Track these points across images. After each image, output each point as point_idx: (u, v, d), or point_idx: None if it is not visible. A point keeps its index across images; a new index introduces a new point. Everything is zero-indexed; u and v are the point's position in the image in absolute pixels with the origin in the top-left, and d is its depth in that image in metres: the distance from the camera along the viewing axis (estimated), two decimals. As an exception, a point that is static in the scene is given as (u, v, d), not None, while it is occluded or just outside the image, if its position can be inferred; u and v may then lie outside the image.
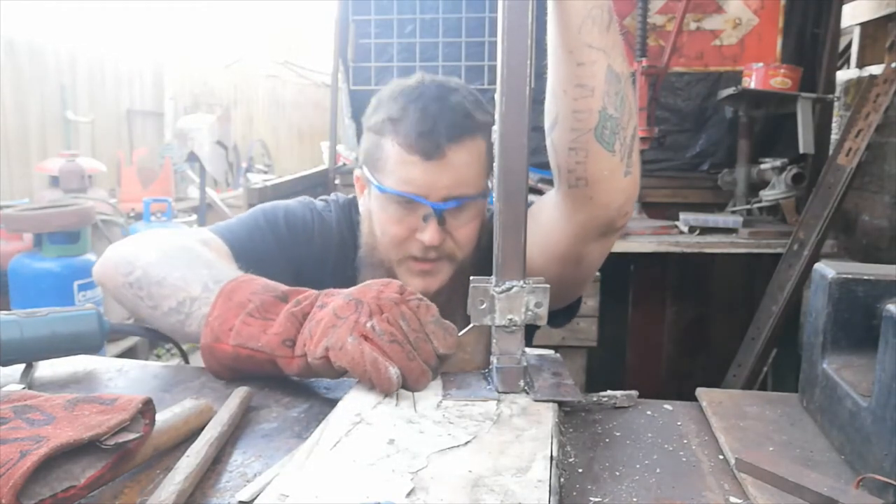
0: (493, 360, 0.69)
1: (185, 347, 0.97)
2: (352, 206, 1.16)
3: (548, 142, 0.86)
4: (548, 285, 0.68)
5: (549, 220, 0.96)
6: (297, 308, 0.73)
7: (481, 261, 1.02)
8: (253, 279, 0.80)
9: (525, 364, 0.69)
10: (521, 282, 0.67)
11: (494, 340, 0.68)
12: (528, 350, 0.73)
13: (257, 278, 0.80)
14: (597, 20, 0.78)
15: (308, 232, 1.10)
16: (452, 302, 0.96)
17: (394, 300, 0.69)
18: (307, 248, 1.09)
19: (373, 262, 1.06)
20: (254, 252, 1.01)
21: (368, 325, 0.66)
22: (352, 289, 0.73)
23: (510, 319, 0.67)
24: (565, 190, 0.88)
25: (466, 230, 1.03)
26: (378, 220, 1.03)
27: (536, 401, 0.66)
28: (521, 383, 0.68)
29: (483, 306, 0.67)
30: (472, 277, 0.68)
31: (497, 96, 0.68)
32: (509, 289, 0.67)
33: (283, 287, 0.78)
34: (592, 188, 0.85)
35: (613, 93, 0.80)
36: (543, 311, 0.68)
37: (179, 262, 0.85)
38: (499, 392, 0.67)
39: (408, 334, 0.67)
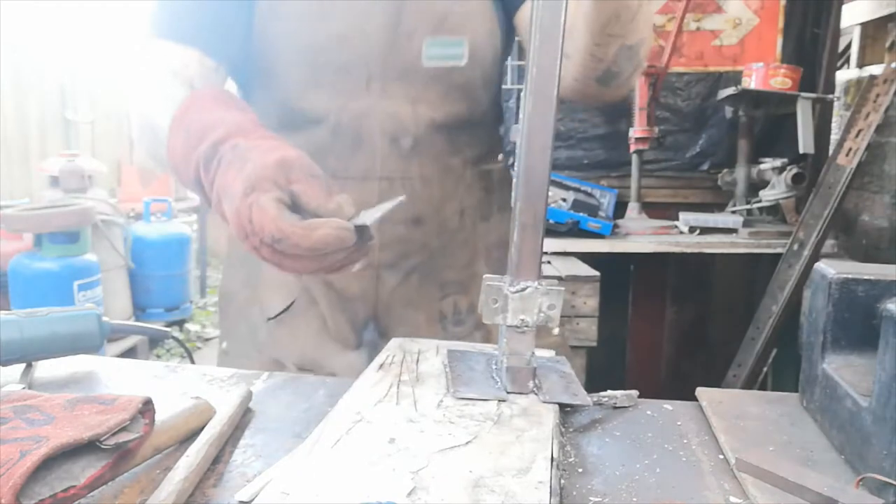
0: (503, 359, 0.69)
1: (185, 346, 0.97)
2: None
3: None
4: (562, 288, 0.68)
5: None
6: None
7: None
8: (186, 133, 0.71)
9: (535, 365, 0.69)
10: (536, 283, 0.67)
11: (505, 340, 0.69)
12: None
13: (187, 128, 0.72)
14: (624, 17, 0.78)
15: None
16: None
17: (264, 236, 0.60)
18: None
19: None
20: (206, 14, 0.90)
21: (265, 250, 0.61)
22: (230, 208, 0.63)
23: (522, 320, 0.67)
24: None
25: None
26: None
27: (545, 402, 0.66)
28: (531, 384, 0.68)
29: (496, 305, 0.67)
30: (485, 276, 0.68)
31: (524, 95, 0.67)
32: (524, 289, 0.67)
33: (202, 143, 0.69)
34: (598, 98, 0.90)
35: (624, 59, 0.82)
36: (556, 314, 0.68)
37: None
38: (508, 392, 0.67)
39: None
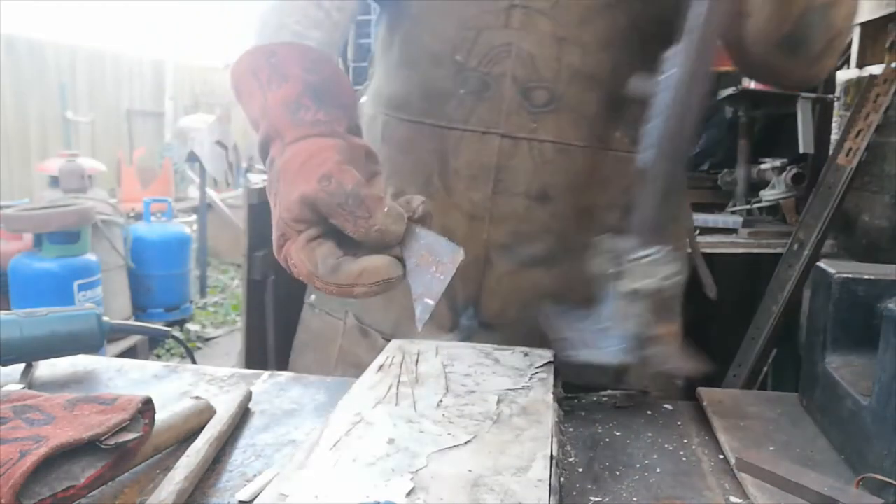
0: (613, 325, 0.66)
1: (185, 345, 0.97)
2: None
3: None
4: (684, 255, 0.63)
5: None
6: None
7: None
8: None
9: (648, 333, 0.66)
10: (662, 250, 0.64)
11: (618, 305, 0.65)
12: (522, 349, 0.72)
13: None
14: None
15: None
16: None
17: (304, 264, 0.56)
18: None
19: None
20: None
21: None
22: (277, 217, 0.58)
23: (637, 288, 0.64)
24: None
25: None
26: None
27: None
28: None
29: (616, 269, 0.65)
30: (604, 236, 0.64)
31: (683, 38, 0.63)
32: (648, 255, 0.64)
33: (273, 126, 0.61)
34: (787, 74, 0.79)
35: (811, 24, 0.71)
36: (674, 283, 0.65)
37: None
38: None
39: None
